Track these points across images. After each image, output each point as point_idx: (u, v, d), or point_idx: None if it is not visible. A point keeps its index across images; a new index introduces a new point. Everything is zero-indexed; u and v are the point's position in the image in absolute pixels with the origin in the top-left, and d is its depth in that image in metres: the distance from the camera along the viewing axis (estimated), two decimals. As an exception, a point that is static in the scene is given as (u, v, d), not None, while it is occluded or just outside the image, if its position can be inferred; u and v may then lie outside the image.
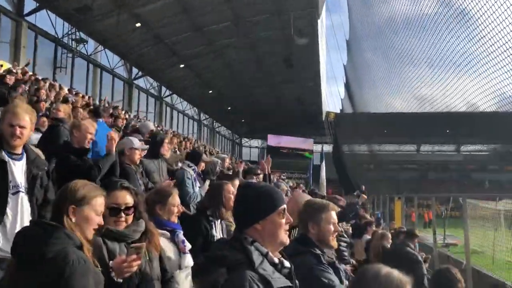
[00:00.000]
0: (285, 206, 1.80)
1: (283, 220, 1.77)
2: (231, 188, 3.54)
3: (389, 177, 34.12)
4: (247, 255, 1.66)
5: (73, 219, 1.91)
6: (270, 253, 1.72)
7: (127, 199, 2.34)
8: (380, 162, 35.68)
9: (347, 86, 32.29)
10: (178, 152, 9.04)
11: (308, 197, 3.17)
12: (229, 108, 36.58)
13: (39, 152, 2.94)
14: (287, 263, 1.77)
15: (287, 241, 1.79)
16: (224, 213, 3.52)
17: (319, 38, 23.30)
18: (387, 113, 24.41)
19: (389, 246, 6.22)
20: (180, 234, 2.79)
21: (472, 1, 12.06)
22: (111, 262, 2.13)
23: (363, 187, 17.01)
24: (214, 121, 41.40)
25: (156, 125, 16.84)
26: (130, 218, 2.33)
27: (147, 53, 22.72)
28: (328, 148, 40.90)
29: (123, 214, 2.29)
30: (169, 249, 2.66)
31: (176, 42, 22.64)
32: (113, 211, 2.27)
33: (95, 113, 6.01)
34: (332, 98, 62.30)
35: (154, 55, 23.19)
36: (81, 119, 4.92)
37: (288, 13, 21.10)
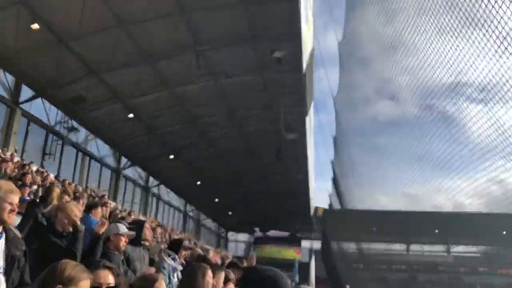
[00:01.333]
0: None
1: None
2: (211, 273, 3.33)
3: (378, 277, 33.13)
4: None
5: None
6: None
7: (109, 279, 2.27)
8: (368, 262, 34.83)
9: (335, 181, 32.57)
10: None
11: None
12: (216, 200, 36.27)
13: (17, 232, 2.78)
14: None
15: None
16: None
17: (307, 133, 23.94)
18: (375, 210, 24.34)
19: None
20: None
21: (454, 105, 12.66)
22: None
23: (348, 286, 16.33)
24: (201, 213, 40.79)
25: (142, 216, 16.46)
26: None
27: (137, 143, 22.97)
28: (317, 245, 40.10)
29: None
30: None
31: (167, 133, 23.05)
32: None
33: (90, 206, 5.83)
34: (320, 193, 62.43)
35: (144, 145, 23.42)
36: (66, 201, 4.77)
37: (278, 109, 21.90)
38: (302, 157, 26.62)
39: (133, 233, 4.33)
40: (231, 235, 48.86)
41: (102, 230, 3.50)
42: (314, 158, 32.42)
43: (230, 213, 41.89)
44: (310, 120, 26.19)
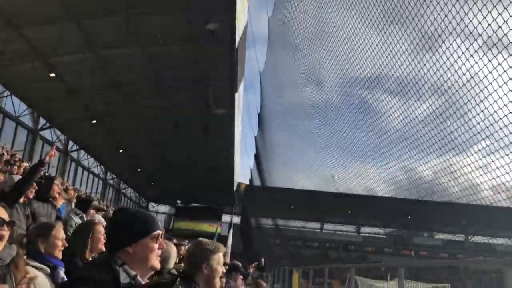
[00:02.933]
0: (159, 232, 1.83)
1: (156, 245, 1.80)
2: (101, 229, 3.39)
3: (292, 252, 34.63)
4: (115, 276, 1.65)
5: None
6: (139, 277, 1.73)
7: (3, 213, 2.21)
8: (284, 238, 36.29)
9: (257, 158, 33.31)
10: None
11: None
12: (139, 169, 35.64)
13: None
14: None
15: (158, 266, 1.81)
16: (88, 255, 3.28)
17: (235, 110, 24.16)
18: (294, 189, 25.32)
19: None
20: (61, 272, 2.63)
21: (373, 96, 13.45)
22: None
23: (262, 259, 17.03)
24: (121, 181, 39.89)
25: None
26: (7, 236, 2.18)
27: (57, 104, 21.84)
28: (237, 219, 40.92)
29: (6, 227, 2.15)
30: (45, 286, 2.47)
31: (90, 97, 22.12)
32: None
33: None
34: (244, 170, 63.48)
35: (65, 108, 22.34)
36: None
37: (208, 82, 21.83)
38: (229, 133, 26.85)
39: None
40: (152, 206, 48.41)
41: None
42: (241, 135, 32.89)
43: (152, 184, 41.42)
44: (240, 97, 26.42)
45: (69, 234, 4.54)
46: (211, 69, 20.75)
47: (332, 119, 16.33)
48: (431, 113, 9.51)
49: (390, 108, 13.26)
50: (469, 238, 53.52)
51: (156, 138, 29.01)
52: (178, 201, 43.87)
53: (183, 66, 20.86)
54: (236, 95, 23.69)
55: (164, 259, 3.02)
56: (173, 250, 3.08)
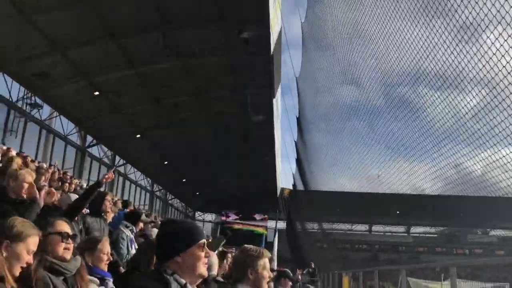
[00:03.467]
0: (205, 240, 1.90)
1: (203, 254, 1.87)
2: None
3: (341, 256, 34.13)
4: (166, 285, 1.73)
5: (4, 254, 1.92)
6: (189, 285, 1.80)
7: (67, 228, 2.42)
8: (332, 241, 35.83)
9: (298, 162, 33.18)
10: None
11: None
12: (184, 180, 36.34)
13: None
14: None
15: (205, 273, 1.88)
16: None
17: (274, 116, 24.23)
18: (339, 191, 25.01)
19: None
20: (110, 282, 2.76)
21: (413, 92, 13.13)
22: None
23: (312, 264, 16.86)
24: (168, 193, 40.79)
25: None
26: (72, 248, 2.36)
27: (103, 121, 22.71)
28: (282, 225, 40.83)
29: (71, 241, 2.33)
30: (97, 296, 2.61)
31: (133, 113, 22.86)
32: (63, 236, 2.33)
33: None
34: (286, 175, 63.32)
35: (110, 124, 23.18)
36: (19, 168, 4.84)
37: (246, 90, 22.06)
38: (269, 139, 26.97)
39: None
40: (198, 215, 49.16)
41: (52, 199, 3.58)
42: (281, 140, 32.91)
43: (197, 193, 42.11)
44: (277, 102, 26.50)
45: (121, 246, 4.71)
46: (248, 77, 20.96)
47: (374, 118, 16.04)
48: (474, 106, 9.16)
49: (433, 103, 12.91)
50: (529, 234, 50.85)
51: (199, 148, 29.56)
52: (223, 212, 44.23)
53: (221, 76, 21.20)
54: (274, 100, 23.78)
55: (208, 267, 3.09)
56: (215, 257, 3.15)
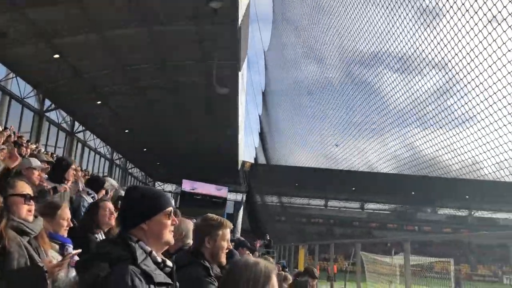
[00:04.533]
0: (171, 208, 1.95)
1: (169, 222, 1.92)
2: (109, 205, 3.66)
3: (298, 229, 35.02)
4: (131, 252, 1.77)
5: None
6: (154, 252, 1.86)
7: (29, 189, 2.42)
8: (290, 215, 36.66)
9: (261, 136, 33.45)
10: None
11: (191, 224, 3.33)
12: (145, 149, 35.94)
13: None
14: (169, 263, 1.92)
15: (172, 241, 1.94)
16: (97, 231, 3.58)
17: (239, 89, 24.21)
18: (298, 167, 25.51)
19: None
20: (70, 248, 2.80)
21: (373, 72, 13.43)
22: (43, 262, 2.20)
23: (268, 236, 17.26)
24: (128, 161, 40.26)
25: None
26: (33, 209, 2.38)
27: (62, 85, 21.95)
28: (242, 197, 41.36)
29: (33, 202, 2.35)
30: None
31: (95, 78, 22.21)
32: (26, 198, 2.34)
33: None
34: (248, 148, 63.75)
35: (70, 89, 22.45)
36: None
37: (211, 62, 21.83)
38: (233, 111, 26.97)
39: (46, 166, 4.43)
40: (158, 185, 48.93)
41: (13, 164, 3.54)
42: (245, 113, 32.98)
43: (158, 163, 41.79)
44: (243, 76, 26.45)
45: (82, 214, 4.74)
46: (214, 48, 20.72)
47: (335, 96, 16.34)
48: (428, 89, 9.54)
49: (391, 84, 13.27)
50: (472, 213, 53.84)
51: (161, 118, 29.18)
52: (184, 180, 44.10)
53: (186, 46, 20.83)
54: (240, 73, 23.72)
55: (185, 235, 3.17)
56: (191, 224, 3.23)
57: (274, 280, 1.71)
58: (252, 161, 38.69)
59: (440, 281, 20.39)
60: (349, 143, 18.09)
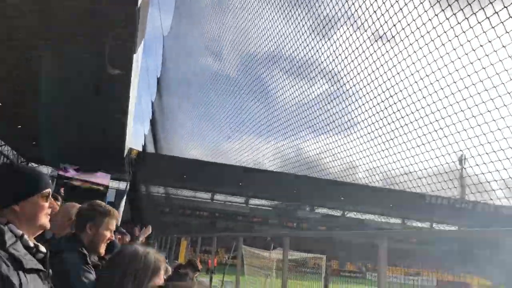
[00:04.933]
0: (50, 190, 1.81)
1: (46, 204, 1.78)
2: None
3: (182, 221, 34.92)
4: None
5: None
6: (26, 236, 1.71)
7: None
8: (174, 206, 36.38)
9: (153, 124, 32.58)
10: None
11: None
12: (20, 126, 32.76)
13: None
14: (43, 248, 1.76)
15: (47, 225, 1.80)
16: None
17: (132, 71, 23.26)
18: (186, 158, 25.37)
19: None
20: None
21: (268, 74, 13.88)
22: None
23: (150, 227, 16.93)
24: (-2, 138, 36.41)
25: None
26: None
27: None
28: (125, 185, 39.81)
29: None
30: None
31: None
32: None
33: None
34: (137, 135, 61.88)
35: None
36: None
37: (105, 40, 20.60)
38: (123, 95, 25.81)
39: None
40: (32, 166, 45.00)
41: None
42: (137, 98, 31.74)
43: (34, 142, 38.38)
44: (138, 59, 25.42)
45: None
46: (109, 25, 19.59)
47: (229, 92, 16.59)
48: (319, 94, 10.15)
49: (284, 87, 13.83)
50: (346, 213, 58.59)
51: (43, 93, 26.79)
52: (62, 164, 41.19)
53: (79, 21, 19.41)
54: (135, 56, 22.78)
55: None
56: (75, 208, 3.01)
57: (162, 272, 1.66)
58: (140, 148, 37.45)
59: (312, 275, 21.78)
60: (239, 139, 18.49)
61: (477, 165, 5.79)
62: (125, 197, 26.12)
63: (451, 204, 46.75)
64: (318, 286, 18.90)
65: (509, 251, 55.52)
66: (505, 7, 4.63)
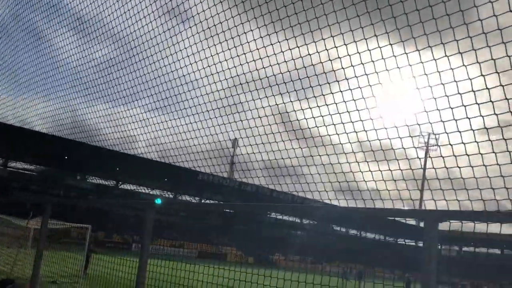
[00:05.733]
0: None
1: None
2: None
3: None
4: None
5: None
6: None
7: None
8: None
9: None
10: None
11: None
12: None
13: None
14: None
15: None
16: None
17: None
18: None
19: None
20: None
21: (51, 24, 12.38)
22: None
23: None
24: None
25: None
26: None
27: None
28: None
29: None
30: None
31: None
32: None
33: None
34: None
35: None
36: None
37: None
38: None
39: None
40: None
41: None
42: None
43: None
44: None
45: None
46: None
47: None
48: (102, 56, 9.52)
49: (69, 44, 12.61)
50: (119, 184, 57.62)
51: None
52: None
53: None
54: None
55: None
56: None
57: None
58: None
59: (75, 246, 20.84)
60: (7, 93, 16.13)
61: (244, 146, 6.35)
62: None
63: (220, 182, 51.03)
64: (81, 257, 18.04)
65: (259, 226, 64.14)
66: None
